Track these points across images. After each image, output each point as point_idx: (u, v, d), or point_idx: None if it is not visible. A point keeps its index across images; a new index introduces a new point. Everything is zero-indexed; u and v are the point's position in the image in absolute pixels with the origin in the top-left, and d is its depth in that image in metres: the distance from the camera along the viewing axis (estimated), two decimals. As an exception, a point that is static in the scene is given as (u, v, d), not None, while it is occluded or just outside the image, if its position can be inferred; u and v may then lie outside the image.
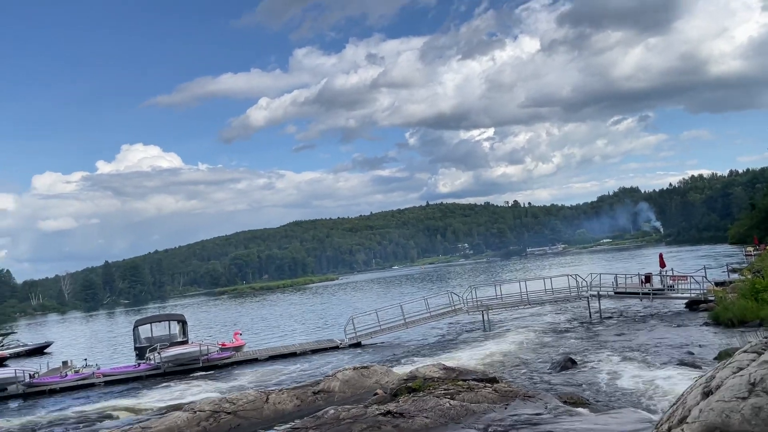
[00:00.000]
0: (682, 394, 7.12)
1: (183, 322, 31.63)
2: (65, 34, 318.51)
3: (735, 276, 34.74)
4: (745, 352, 7.10)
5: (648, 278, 30.36)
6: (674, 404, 6.95)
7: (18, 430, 17.89)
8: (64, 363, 28.58)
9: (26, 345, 45.95)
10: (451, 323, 31.76)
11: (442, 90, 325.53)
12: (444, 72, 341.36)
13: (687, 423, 5.98)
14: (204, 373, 25.53)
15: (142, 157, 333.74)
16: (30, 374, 25.29)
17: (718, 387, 6.31)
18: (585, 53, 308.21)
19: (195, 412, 12.06)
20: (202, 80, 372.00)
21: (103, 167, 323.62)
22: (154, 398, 20.41)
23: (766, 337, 7.57)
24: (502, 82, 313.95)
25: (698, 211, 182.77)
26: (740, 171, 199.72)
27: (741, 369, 6.47)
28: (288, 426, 10.17)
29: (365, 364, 14.89)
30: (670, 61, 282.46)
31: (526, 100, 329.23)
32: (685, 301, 28.94)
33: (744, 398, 5.70)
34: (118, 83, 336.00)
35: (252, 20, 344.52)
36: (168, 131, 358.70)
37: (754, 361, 6.64)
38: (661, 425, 6.62)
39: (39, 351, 44.23)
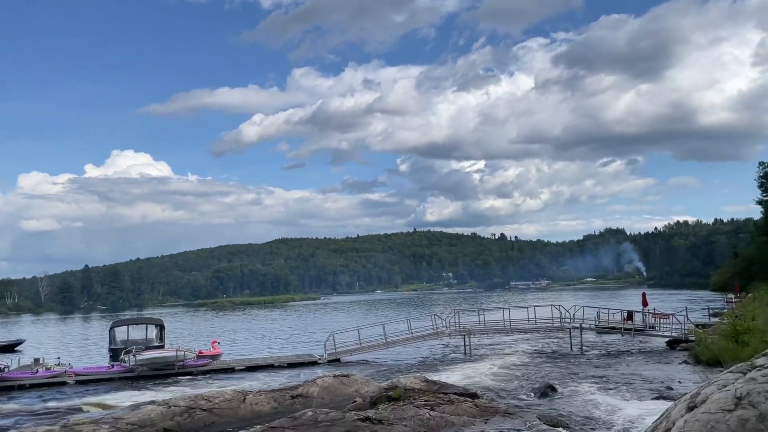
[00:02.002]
0: (667, 410, 7.10)
1: (161, 327, 31.18)
2: (64, 37, 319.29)
3: (716, 319, 34.95)
4: (730, 372, 7.12)
5: (630, 315, 30.50)
6: (658, 419, 6.93)
7: (-17, 422, 17.42)
8: (36, 360, 27.95)
9: (-3, 341, 45.03)
10: (432, 346, 31.56)
11: (435, 120, 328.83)
12: (439, 102, 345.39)
13: (671, 433, 5.96)
14: (179, 378, 25.10)
15: (132, 163, 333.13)
16: (-1, 368, 24.73)
17: (703, 401, 6.31)
18: (578, 94, 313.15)
19: (169, 406, 11.82)
20: (198, 92, 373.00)
21: (92, 171, 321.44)
22: (126, 398, 20.00)
23: (750, 360, 7.59)
24: (496, 117, 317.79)
25: (682, 257, 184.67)
26: (724, 220, 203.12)
27: (726, 386, 6.49)
28: (264, 425, 10.00)
29: (346, 373, 14.71)
30: (661, 108, 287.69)
31: (518, 135, 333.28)
32: (667, 339, 29.04)
33: (730, 410, 5.70)
34: (114, 88, 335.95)
35: (252, 37, 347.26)
36: (160, 140, 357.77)
37: (738, 379, 6.66)
38: (645, 438, 6.59)
39: (9, 348, 43.28)
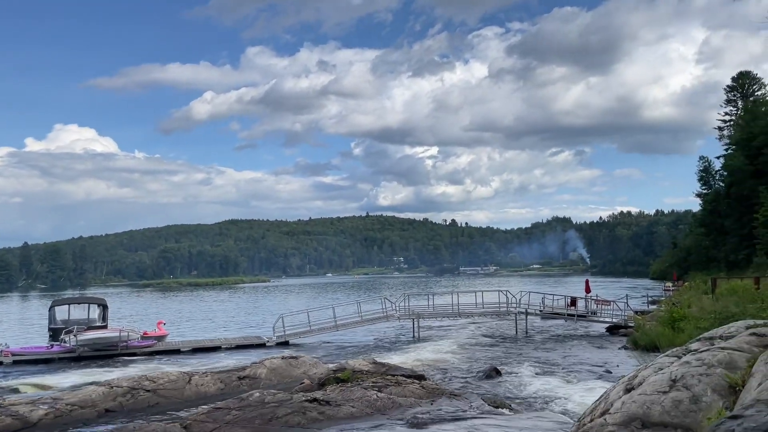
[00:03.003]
0: (605, 392, 7.35)
1: (104, 306, 30.32)
2: (4, 4, 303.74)
3: (654, 307, 36.37)
4: (666, 356, 7.42)
5: (574, 301, 31.45)
6: (597, 400, 7.17)
7: None
8: (-30, 339, 26.89)
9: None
10: (382, 329, 31.79)
11: (390, 104, 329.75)
12: (394, 87, 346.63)
13: (609, 414, 6.18)
14: (122, 359, 24.53)
15: (76, 138, 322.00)
16: (-71, 348, 23.64)
17: (640, 383, 6.56)
18: (529, 84, 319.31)
19: (112, 387, 11.52)
20: (147, 67, 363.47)
21: (33, 145, 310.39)
22: (67, 379, 19.44)
23: (685, 344, 7.92)
24: (449, 104, 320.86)
25: (624, 246, 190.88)
26: (665, 211, 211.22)
27: (662, 369, 6.76)
28: (210, 406, 9.87)
29: (294, 355, 14.65)
30: (608, 101, 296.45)
31: (471, 123, 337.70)
32: (607, 325, 30.05)
33: (665, 392, 5.96)
34: (58, 60, 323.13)
35: (204, 13, 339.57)
36: (106, 115, 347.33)
37: (673, 363, 6.95)
38: (584, 418, 6.81)
39: (-58, 327, 41.47)
